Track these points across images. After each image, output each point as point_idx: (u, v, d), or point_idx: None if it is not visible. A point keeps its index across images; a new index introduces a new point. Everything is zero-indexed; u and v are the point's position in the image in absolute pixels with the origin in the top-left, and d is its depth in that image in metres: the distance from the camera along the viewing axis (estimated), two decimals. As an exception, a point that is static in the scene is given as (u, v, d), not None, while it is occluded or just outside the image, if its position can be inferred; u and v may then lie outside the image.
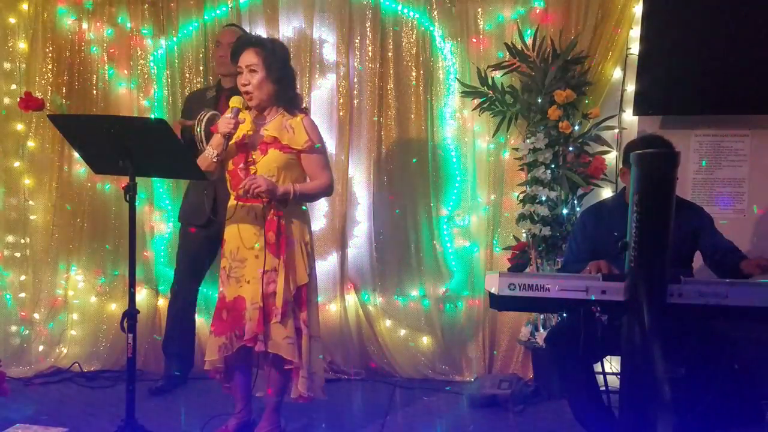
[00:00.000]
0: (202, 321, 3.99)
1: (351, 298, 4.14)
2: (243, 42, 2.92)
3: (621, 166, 3.11)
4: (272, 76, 2.86)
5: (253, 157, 2.88)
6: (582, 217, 3.31)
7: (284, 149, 2.87)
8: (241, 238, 2.89)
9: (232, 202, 2.95)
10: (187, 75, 4.14)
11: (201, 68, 4.12)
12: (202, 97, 3.77)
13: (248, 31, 4.06)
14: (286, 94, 2.92)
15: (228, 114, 2.84)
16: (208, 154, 2.87)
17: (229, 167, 2.93)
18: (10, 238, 4.20)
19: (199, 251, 3.77)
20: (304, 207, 3.03)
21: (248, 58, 2.85)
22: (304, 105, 3.09)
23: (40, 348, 4.17)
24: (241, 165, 2.89)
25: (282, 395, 3.02)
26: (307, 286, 2.95)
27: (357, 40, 4.07)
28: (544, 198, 3.74)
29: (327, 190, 3.00)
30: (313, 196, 3.04)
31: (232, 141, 2.89)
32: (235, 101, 2.87)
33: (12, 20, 4.16)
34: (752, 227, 3.81)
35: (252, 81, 2.84)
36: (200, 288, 3.91)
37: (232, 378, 3.06)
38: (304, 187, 2.91)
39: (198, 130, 2.95)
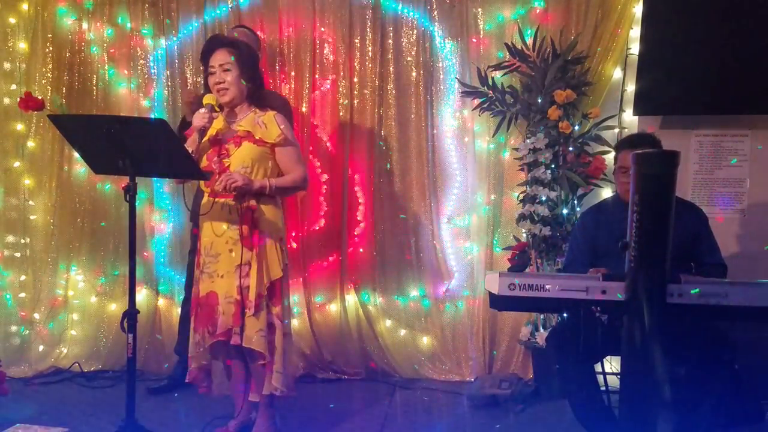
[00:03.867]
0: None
1: (351, 298, 4.14)
2: (215, 42, 2.99)
3: (614, 166, 3.11)
4: (245, 74, 2.93)
5: (228, 149, 2.91)
6: (582, 218, 3.32)
7: (258, 143, 2.91)
8: (214, 234, 2.91)
9: (207, 199, 2.96)
10: (187, 75, 4.14)
11: (202, 68, 4.11)
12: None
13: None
14: (257, 92, 2.99)
15: (202, 109, 2.89)
16: None
17: (203, 163, 2.94)
18: (10, 238, 4.20)
19: None
20: (278, 202, 3.04)
21: (221, 57, 2.91)
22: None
23: (40, 348, 4.17)
24: (215, 158, 2.91)
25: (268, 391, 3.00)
26: (281, 280, 2.96)
27: (357, 40, 4.07)
28: (544, 198, 3.74)
29: (302, 184, 3.03)
30: (289, 190, 3.05)
31: (206, 138, 2.92)
32: (208, 98, 2.92)
33: (12, 20, 4.16)
34: (751, 227, 3.81)
35: (227, 79, 2.90)
36: None
37: (229, 379, 3.07)
38: (280, 181, 2.94)
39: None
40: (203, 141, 2.91)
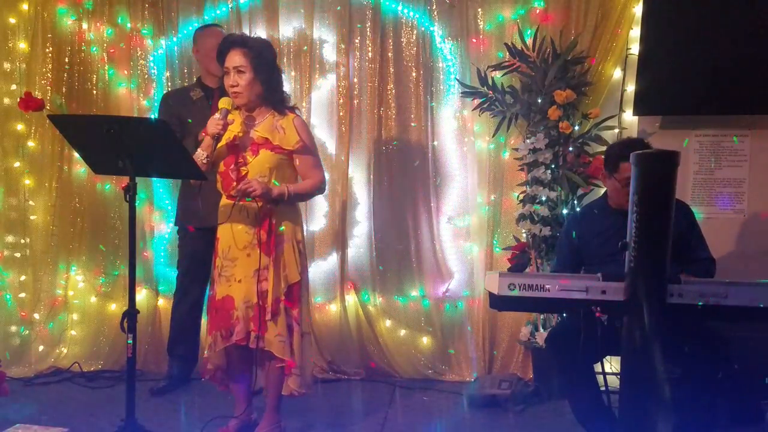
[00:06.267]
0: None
1: (351, 298, 4.14)
2: (229, 42, 2.90)
3: (609, 174, 3.04)
4: (260, 76, 2.86)
5: (245, 157, 2.88)
6: (566, 222, 3.36)
7: (275, 150, 2.88)
8: (233, 238, 2.90)
9: (224, 201, 2.95)
10: (187, 75, 4.14)
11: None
12: (185, 98, 3.75)
13: (248, 31, 4.07)
14: (274, 94, 2.93)
15: (217, 115, 2.84)
16: (199, 156, 2.87)
17: (221, 168, 2.93)
18: (10, 238, 4.19)
19: (199, 252, 3.77)
20: (296, 206, 3.04)
21: (235, 59, 2.84)
22: (293, 104, 3.08)
23: (40, 348, 4.16)
24: (232, 166, 2.89)
25: (280, 393, 3.01)
26: (299, 284, 2.96)
27: (357, 40, 4.07)
28: (544, 198, 3.74)
29: (320, 188, 3.03)
30: (307, 195, 3.06)
31: (223, 142, 2.89)
32: (224, 102, 2.87)
33: (12, 20, 4.15)
34: (751, 227, 3.81)
35: (240, 82, 2.84)
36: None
37: (231, 378, 3.07)
38: (298, 188, 2.93)
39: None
40: (220, 146, 2.88)
